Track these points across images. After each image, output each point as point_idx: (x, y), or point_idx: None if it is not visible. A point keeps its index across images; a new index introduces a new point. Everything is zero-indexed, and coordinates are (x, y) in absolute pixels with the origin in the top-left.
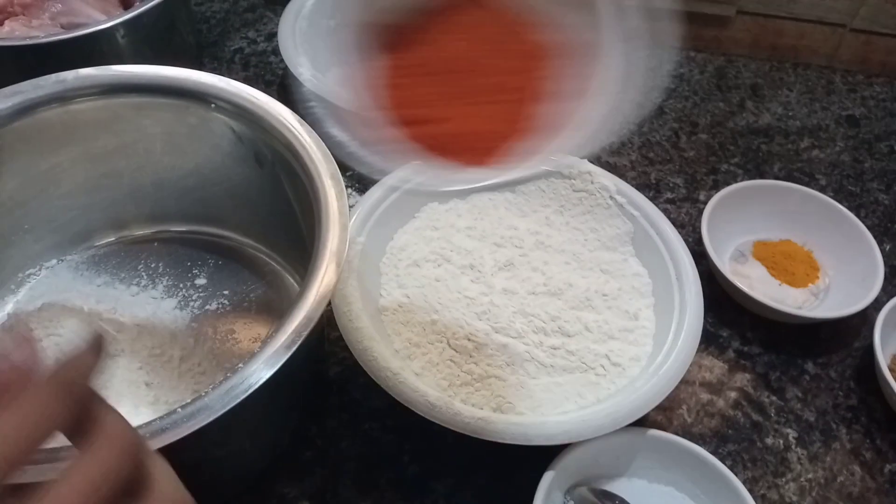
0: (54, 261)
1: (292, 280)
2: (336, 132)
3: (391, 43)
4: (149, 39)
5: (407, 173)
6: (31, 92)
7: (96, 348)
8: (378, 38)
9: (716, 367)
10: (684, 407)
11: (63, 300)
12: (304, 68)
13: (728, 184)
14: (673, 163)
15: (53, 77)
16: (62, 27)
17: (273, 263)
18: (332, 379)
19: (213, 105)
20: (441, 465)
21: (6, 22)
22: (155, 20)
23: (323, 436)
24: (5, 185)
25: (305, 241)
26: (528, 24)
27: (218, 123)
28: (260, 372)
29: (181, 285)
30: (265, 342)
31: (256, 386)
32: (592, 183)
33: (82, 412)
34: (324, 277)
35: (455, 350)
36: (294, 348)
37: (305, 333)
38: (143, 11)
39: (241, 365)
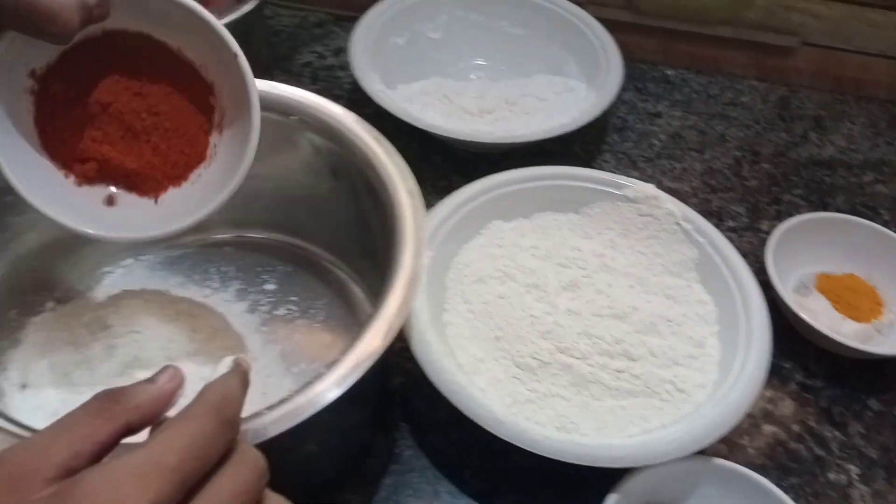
0: (130, 260)
1: (358, 289)
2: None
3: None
4: None
5: (475, 190)
6: None
7: (245, 383)
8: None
9: (778, 399)
10: (746, 437)
11: (141, 299)
12: (374, 83)
13: (791, 214)
14: (735, 191)
15: None
16: None
17: (340, 272)
18: (394, 389)
19: (295, 117)
20: (503, 482)
21: None
22: (233, 32)
23: (386, 446)
24: None
25: (376, 253)
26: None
27: (298, 135)
28: (341, 381)
29: (251, 290)
30: (340, 358)
31: (333, 399)
32: (659, 208)
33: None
34: (401, 300)
35: (519, 368)
36: (369, 366)
37: (380, 353)
38: (224, 24)
39: (320, 374)
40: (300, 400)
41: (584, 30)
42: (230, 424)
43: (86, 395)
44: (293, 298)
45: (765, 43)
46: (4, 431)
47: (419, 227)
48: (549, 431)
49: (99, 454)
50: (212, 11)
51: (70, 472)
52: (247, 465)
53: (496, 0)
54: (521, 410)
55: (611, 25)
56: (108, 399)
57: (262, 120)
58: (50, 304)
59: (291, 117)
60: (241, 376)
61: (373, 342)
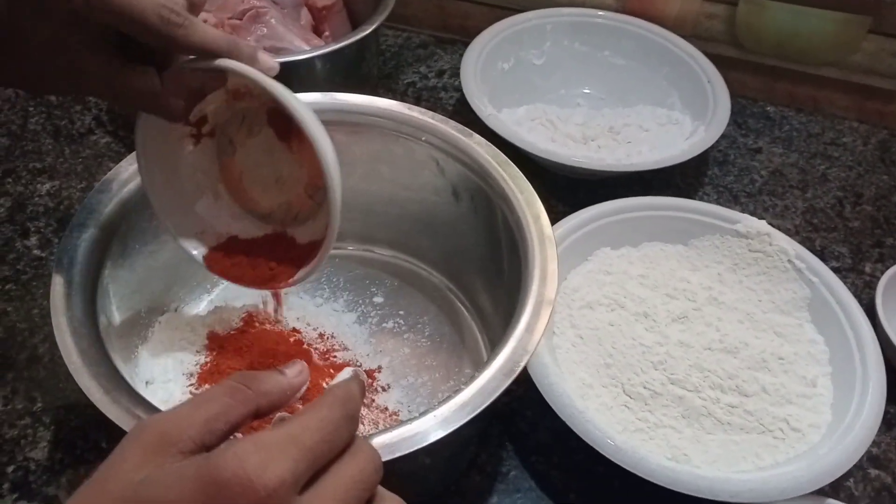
0: None
1: (463, 308)
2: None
3: None
4: (342, 68)
5: (585, 217)
6: None
7: (363, 390)
8: None
9: (883, 442)
10: (851, 479)
11: (257, 304)
12: (483, 105)
13: (894, 258)
14: (838, 231)
15: None
16: (265, 50)
17: (445, 290)
18: (499, 409)
19: (423, 138)
20: None
21: None
22: (351, 52)
23: (492, 464)
24: None
25: (489, 274)
26: None
27: (423, 154)
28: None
29: (360, 301)
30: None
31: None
32: (771, 245)
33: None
34: (532, 327)
35: (629, 396)
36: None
37: (511, 380)
38: (344, 45)
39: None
40: (430, 421)
41: (690, 63)
42: (353, 419)
43: None
44: (401, 312)
45: (868, 86)
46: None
47: (548, 253)
48: (664, 461)
49: (229, 432)
50: (327, 31)
51: (203, 446)
52: (364, 458)
53: (600, 30)
54: (631, 438)
55: (714, 60)
56: (242, 382)
57: (391, 139)
58: (174, 305)
59: (421, 139)
60: (360, 383)
61: (505, 366)
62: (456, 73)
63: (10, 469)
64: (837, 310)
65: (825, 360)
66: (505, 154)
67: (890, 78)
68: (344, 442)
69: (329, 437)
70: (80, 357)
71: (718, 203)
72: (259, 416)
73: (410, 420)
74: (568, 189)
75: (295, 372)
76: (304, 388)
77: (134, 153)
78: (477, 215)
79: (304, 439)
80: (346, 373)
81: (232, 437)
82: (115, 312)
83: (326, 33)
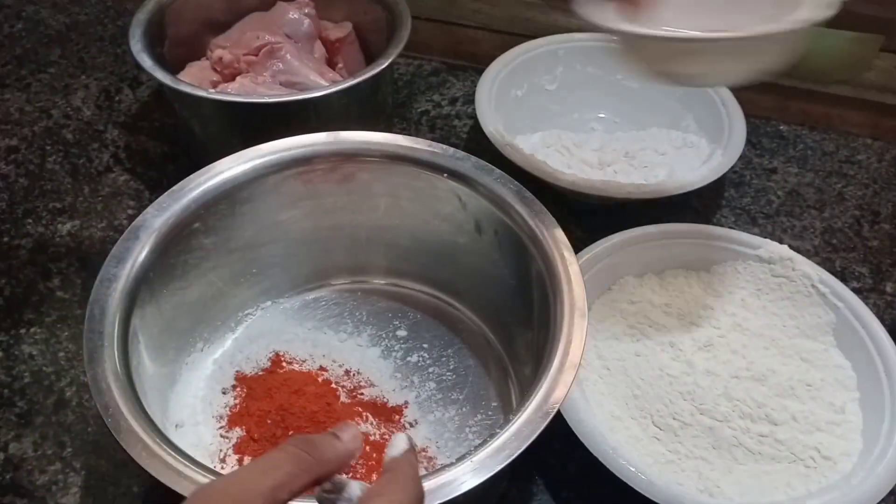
0: (269, 303)
1: (487, 341)
2: None
3: None
4: (357, 101)
5: (608, 245)
6: (284, 152)
7: (416, 454)
8: None
9: None
10: None
11: (281, 341)
12: (498, 133)
13: None
14: (857, 251)
15: (302, 140)
16: (281, 84)
17: (469, 323)
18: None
19: (445, 174)
20: None
21: (237, 78)
22: (367, 85)
23: (522, 499)
24: (245, 231)
25: (513, 309)
26: None
27: (445, 190)
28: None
29: (384, 335)
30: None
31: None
32: (794, 270)
33: None
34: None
35: (659, 427)
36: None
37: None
38: (361, 80)
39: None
40: (466, 467)
41: None
42: (421, 498)
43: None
44: (425, 346)
45: (882, 103)
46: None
47: (576, 290)
48: (696, 494)
49: (289, 501)
50: (340, 63)
51: None
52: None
53: (612, 54)
54: (663, 471)
55: None
56: (304, 449)
57: (412, 175)
58: (199, 345)
59: (443, 174)
60: (415, 451)
61: (541, 408)
62: (469, 100)
63: None
64: (863, 334)
65: (853, 385)
66: (521, 181)
67: None
68: None
69: None
70: (116, 415)
71: (737, 225)
72: (317, 484)
73: (447, 467)
74: (586, 214)
75: (350, 437)
76: (358, 454)
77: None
78: (500, 249)
79: None
80: (401, 441)
81: None
82: (145, 358)
83: (340, 65)
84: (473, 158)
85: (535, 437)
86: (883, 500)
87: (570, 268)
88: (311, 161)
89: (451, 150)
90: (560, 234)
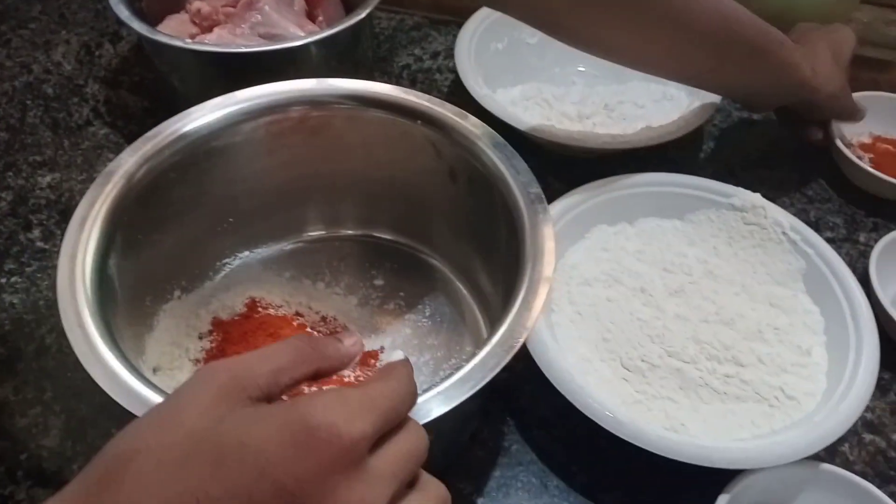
0: (246, 252)
1: (463, 287)
2: None
3: None
4: (336, 53)
5: (582, 195)
6: (262, 100)
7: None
8: None
9: (878, 408)
10: (846, 444)
11: (259, 289)
12: (478, 87)
13: (888, 228)
14: (832, 202)
15: (282, 86)
16: (260, 37)
17: (445, 271)
18: (499, 385)
19: (419, 121)
20: (609, 479)
21: (215, 29)
22: (345, 37)
23: (493, 438)
24: (223, 179)
25: (487, 254)
26: None
27: (419, 138)
28: (471, 380)
29: (361, 284)
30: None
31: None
32: (766, 217)
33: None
34: (530, 305)
35: (628, 369)
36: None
37: (511, 355)
38: (339, 31)
39: (457, 368)
40: (432, 397)
41: None
42: (414, 396)
43: None
44: (401, 294)
45: (862, 56)
46: None
47: (545, 232)
48: (662, 431)
49: (291, 387)
50: (321, 16)
51: (267, 395)
52: (417, 434)
53: None
54: (630, 410)
55: None
56: (307, 343)
57: (387, 123)
58: (177, 293)
59: (417, 122)
60: (410, 365)
61: (505, 342)
62: (450, 55)
63: (23, 457)
64: (832, 280)
65: (820, 329)
66: (501, 134)
67: (883, 47)
68: (404, 415)
69: (397, 407)
70: (88, 347)
71: (714, 177)
72: (317, 377)
73: (437, 385)
74: (564, 167)
75: (352, 342)
76: (359, 357)
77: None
78: (474, 197)
79: (380, 404)
80: (398, 355)
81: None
82: (121, 302)
83: (320, 18)
84: (447, 105)
85: (499, 369)
86: (844, 437)
87: (540, 210)
88: (285, 108)
89: (426, 96)
90: (531, 177)
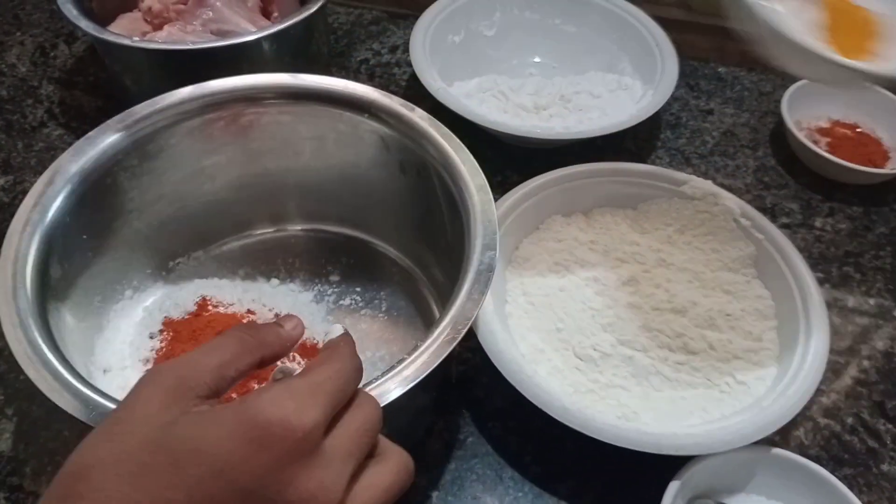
0: (200, 251)
1: (419, 281)
2: None
3: None
4: (290, 48)
5: (535, 186)
6: (204, 97)
7: (350, 336)
8: None
9: (833, 392)
10: (801, 429)
11: (212, 288)
12: (433, 80)
13: (845, 212)
14: (788, 188)
15: (223, 82)
16: (212, 33)
17: (401, 265)
18: (454, 377)
19: (366, 114)
20: (562, 468)
21: (165, 27)
22: (298, 31)
23: (449, 431)
24: (170, 178)
25: (440, 247)
26: None
27: (368, 131)
28: (418, 371)
29: (316, 280)
30: (418, 347)
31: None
32: (717, 205)
33: None
34: (474, 294)
35: (580, 359)
36: (444, 356)
37: (454, 344)
38: (290, 25)
39: (404, 357)
40: (382, 386)
41: (639, 28)
42: (360, 371)
43: None
44: (357, 289)
45: None
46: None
47: (489, 222)
48: (612, 420)
49: (237, 379)
50: (275, 12)
51: (215, 391)
52: (370, 405)
53: None
54: (583, 399)
55: (664, 23)
56: (247, 332)
57: (335, 117)
58: (128, 293)
59: (364, 115)
60: (351, 337)
61: (447, 334)
62: (409, 49)
63: None
64: (782, 264)
65: (771, 314)
66: (458, 128)
67: None
68: (352, 391)
69: (344, 387)
70: (29, 348)
71: (671, 166)
72: (262, 365)
73: (383, 376)
74: (523, 159)
75: (292, 325)
76: (300, 340)
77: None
78: (423, 189)
79: (327, 388)
80: (336, 329)
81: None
82: (68, 304)
83: (275, 14)
84: (395, 98)
85: (439, 362)
86: (799, 422)
87: (486, 201)
88: (230, 105)
89: (373, 89)
90: (476, 169)
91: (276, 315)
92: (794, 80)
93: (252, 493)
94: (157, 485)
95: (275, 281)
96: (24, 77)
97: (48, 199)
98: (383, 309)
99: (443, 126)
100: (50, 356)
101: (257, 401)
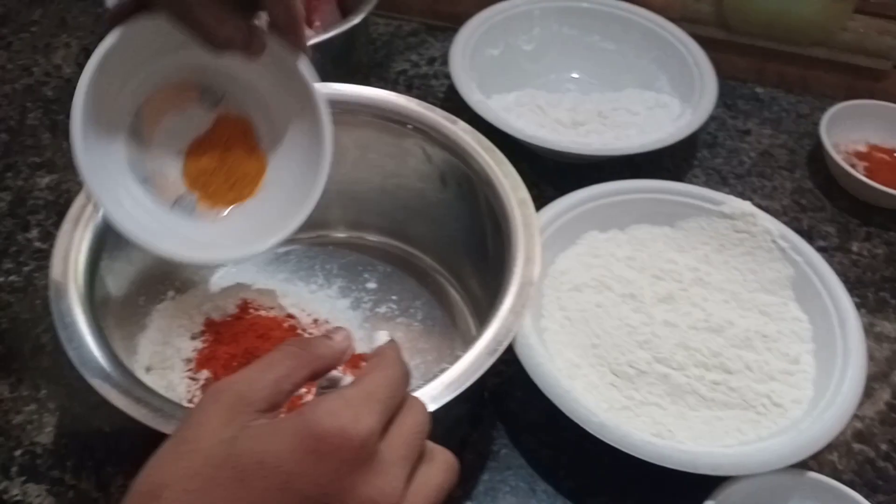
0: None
1: (455, 292)
2: None
3: None
4: (332, 57)
5: (573, 200)
6: None
7: (397, 343)
8: None
9: (867, 417)
10: (835, 453)
11: (252, 292)
12: (472, 93)
13: (882, 237)
14: (825, 211)
15: None
16: None
17: (437, 275)
18: (490, 389)
19: (409, 126)
20: (596, 483)
21: None
22: (341, 41)
23: (483, 443)
24: None
25: (478, 258)
26: None
27: (410, 143)
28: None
29: (353, 287)
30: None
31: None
32: (755, 225)
33: None
34: (515, 308)
35: (616, 375)
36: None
37: (495, 358)
38: (334, 35)
39: (445, 367)
40: (425, 394)
41: (678, 46)
42: (408, 376)
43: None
44: (393, 297)
45: (856, 65)
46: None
47: (531, 236)
48: (652, 438)
49: (292, 392)
50: (317, 21)
51: (273, 405)
52: (419, 409)
53: (589, 14)
54: (617, 416)
55: (702, 42)
56: (300, 346)
57: (378, 127)
58: (171, 294)
59: (407, 126)
60: (397, 344)
61: (489, 345)
62: (446, 61)
63: (17, 453)
64: (820, 287)
65: (808, 337)
66: (495, 140)
67: (877, 57)
68: (403, 396)
69: (395, 393)
70: (79, 346)
71: (707, 185)
72: (314, 378)
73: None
74: (558, 173)
75: (341, 337)
76: (350, 352)
77: None
78: (464, 201)
79: (380, 395)
80: (383, 336)
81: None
82: (113, 301)
83: (317, 23)
84: (437, 109)
85: (482, 372)
86: (833, 446)
87: (528, 214)
88: None
89: (416, 101)
90: (518, 181)
91: (315, 321)
92: (833, 102)
93: (315, 502)
94: (225, 499)
95: (313, 286)
96: (70, 79)
97: None
98: (419, 318)
99: (485, 139)
100: (100, 354)
101: (315, 412)
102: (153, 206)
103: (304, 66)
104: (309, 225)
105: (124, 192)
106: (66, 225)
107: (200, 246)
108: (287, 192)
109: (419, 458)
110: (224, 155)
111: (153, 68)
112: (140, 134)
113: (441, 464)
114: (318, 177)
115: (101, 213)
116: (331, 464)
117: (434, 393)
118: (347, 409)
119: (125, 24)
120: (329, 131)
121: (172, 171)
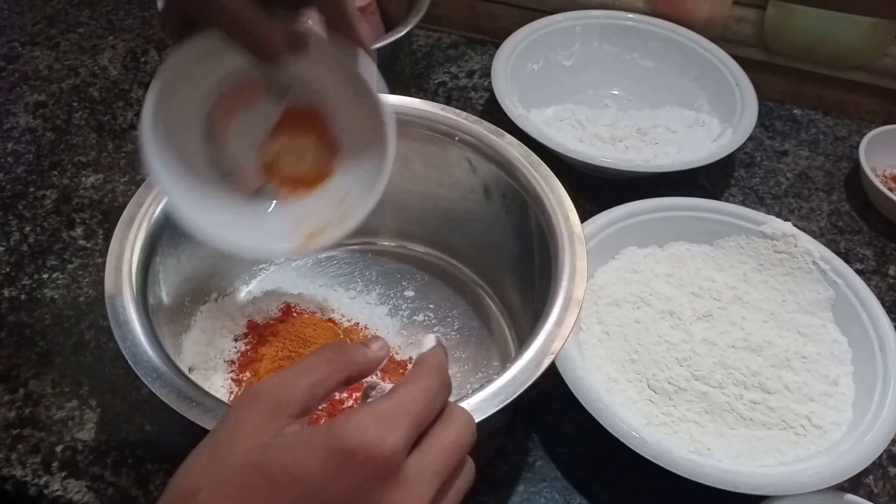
0: (283, 259)
1: (492, 303)
2: None
3: None
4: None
5: (613, 216)
6: None
7: (447, 355)
8: None
9: None
10: (871, 476)
11: (293, 296)
12: (513, 105)
13: None
14: (862, 234)
15: None
16: None
17: (474, 286)
18: (526, 401)
19: (456, 138)
20: (631, 499)
21: None
22: (386, 53)
23: (518, 453)
24: None
25: (518, 271)
26: None
27: (456, 154)
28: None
29: (392, 294)
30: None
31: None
32: (796, 246)
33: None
34: (562, 322)
35: (654, 391)
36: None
37: (541, 371)
38: (379, 47)
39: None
40: (471, 404)
41: (719, 66)
42: (448, 387)
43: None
44: (431, 306)
45: (890, 88)
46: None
47: (577, 252)
48: (693, 455)
49: (326, 398)
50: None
51: (306, 410)
52: (461, 420)
53: (630, 32)
54: (655, 432)
55: (742, 63)
56: (336, 352)
57: (424, 138)
58: (214, 295)
59: (454, 138)
60: (445, 350)
61: (534, 357)
62: (486, 74)
63: (58, 448)
64: (860, 310)
65: (847, 359)
66: (534, 153)
67: None
68: (440, 408)
69: (430, 406)
70: (134, 347)
71: (744, 204)
72: (348, 383)
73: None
74: (596, 188)
75: (378, 346)
76: (386, 360)
77: None
78: (508, 214)
79: (411, 409)
80: (430, 340)
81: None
82: (164, 301)
83: None
84: (484, 122)
85: (529, 384)
86: (869, 469)
87: (574, 230)
88: None
89: (463, 113)
90: (565, 196)
91: (356, 325)
92: (870, 126)
93: None
94: None
95: (352, 293)
96: (116, 80)
97: (154, 198)
98: (455, 327)
99: (532, 153)
100: (152, 353)
101: (344, 426)
102: (233, 200)
103: (364, 66)
104: (355, 232)
105: (202, 193)
106: (121, 223)
107: (273, 238)
108: (352, 186)
109: (457, 470)
110: (295, 142)
111: (215, 78)
112: (214, 134)
113: (468, 472)
114: (379, 175)
115: (157, 214)
116: (356, 478)
117: (479, 404)
118: (376, 425)
119: (180, 50)
120: (391, 129)
121: (249, 164)
